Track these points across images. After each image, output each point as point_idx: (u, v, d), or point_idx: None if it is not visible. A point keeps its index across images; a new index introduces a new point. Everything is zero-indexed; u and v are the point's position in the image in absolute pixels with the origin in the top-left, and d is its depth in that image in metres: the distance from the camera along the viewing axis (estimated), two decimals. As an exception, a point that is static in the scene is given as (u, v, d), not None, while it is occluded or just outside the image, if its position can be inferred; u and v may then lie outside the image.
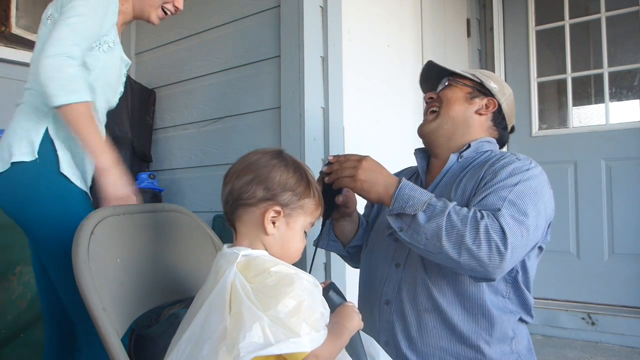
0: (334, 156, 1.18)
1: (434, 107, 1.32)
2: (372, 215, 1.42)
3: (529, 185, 1.09)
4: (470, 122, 1.29)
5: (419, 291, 1.17)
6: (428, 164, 1.38)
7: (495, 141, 1.31)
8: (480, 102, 1.29)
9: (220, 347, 0.72)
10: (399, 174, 1.43)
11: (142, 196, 1.36)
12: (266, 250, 0.86)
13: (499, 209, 1.02)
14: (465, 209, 1.03)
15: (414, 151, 1.42)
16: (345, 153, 1.19)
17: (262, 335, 0.70)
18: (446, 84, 1.32)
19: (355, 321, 0.86)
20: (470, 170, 1.22)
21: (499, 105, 1.31)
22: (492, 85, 1.30)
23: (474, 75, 1.32)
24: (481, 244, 0.97)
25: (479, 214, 1.01)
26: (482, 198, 1.08)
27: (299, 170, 0.90)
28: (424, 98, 1.38)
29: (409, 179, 1.34)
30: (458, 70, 1.33)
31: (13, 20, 2.42)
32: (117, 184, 1.18)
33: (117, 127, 2.15)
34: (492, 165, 1.17)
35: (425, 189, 1.27)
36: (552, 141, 3.05)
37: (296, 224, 0.89)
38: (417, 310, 1.16)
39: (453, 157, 1.27)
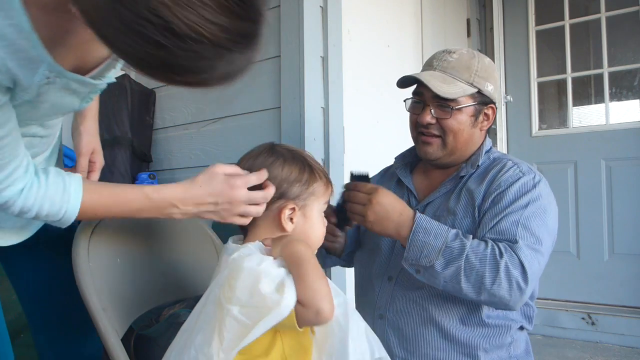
0: (346, 186, 1.13)
1: (432, 132, 1.20)
2: None
3: (538, 205, 1.07)
4: (474, 139, 1.24)
5: (413, 304, 1.14)
6: (412, 169, 1.35)
7: (489, 140, 1.29)
8: (481, 117, 1.22)
9: (212, 338, 0.72)
10: (380, 179, 1.41)
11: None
12: None
13: (516, 241, 1.01)
14: (482, 245, 1.01)
15: (394, 161, 1.37)
16: (358, 176, 1.14)
17: (238, 324, 0.70)
18: (450, 112, 1.17)
19: (299, 244, 0.78)
20: (473, 178, 1.19)
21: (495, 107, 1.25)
22: (489, 89, 1.20)
23: (470, 83, 1.18)
24: (501, 283, 0.97)
25: (497, 250, 0.99)
26: (495, 224, 1.06)
27: (297, 158, 0.89)
28: (414, 120, 1.24)
29: (392, 188, 1.30)
30: (456, 93, 1.16)
31: None
32: None
33: (117, 127, 2.15)
34: (497, 180, 1.13)
35: (418, 202, 1.26)
36: (552, 141, 3.05)
37: (313, 212, 0.89)
38: (413, 323, 1.14)
39: (456, 176, 1.23)
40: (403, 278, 1.17)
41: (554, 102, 3.40)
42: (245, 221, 0.88)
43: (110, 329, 0.91)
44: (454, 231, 1.04)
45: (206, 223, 1.33)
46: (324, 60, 1.89)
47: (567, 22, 3.02)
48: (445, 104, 1.17)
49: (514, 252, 0.99)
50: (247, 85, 1.99)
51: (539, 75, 3.13)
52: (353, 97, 2.09)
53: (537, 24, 3.14)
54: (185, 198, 0.88)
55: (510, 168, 1.15)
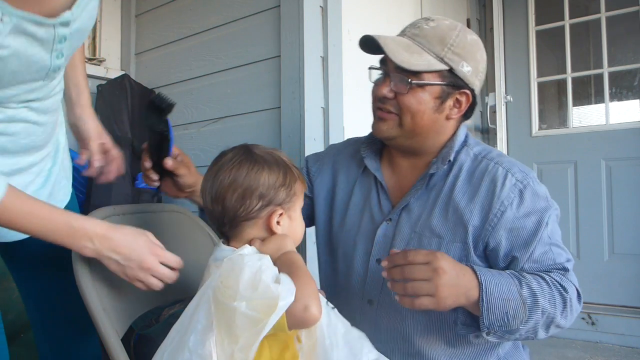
0: (391, 260, 0.89)
1: (388, 108, 1.06)
2: (322, 205, 1.24)
3: (553, 214, 1.03)
4: (438, 127, 1.06)
5: (399, 338, 1.07)
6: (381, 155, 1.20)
7: (464, 129, 1.12)
8: (450, 102, 1.04)
9: (206, 339, 0.73)
10: (337, 155, 1.28)
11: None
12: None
13: (563, 267, 0.99)
14: (543, 284, 0.94)
15: (362, 148, 1.20)
16: (160, 106, 1.00)
17: (248, 320, 0.70)
18: (408, 87, 1.01)
19: (288, 241, 0.85)
20: (458, 187, 1.05)
21: (472, 95, 1.06)
22: (465, 69, 1.01)
23: (440, 58, 1.00)
24: (567, 316, 0.96)
25: (559, 286, 0.95)
26: (530, 255, 0.98)
27: (277, 161, 0.88)
28: (373, 93, 1.11)
29: (358, 177, 1.20)
30: (419, 65, 0.99)
31: None
32: None
33: (117, 127, 2.15)
34: (497, 199, 1.00)
35: (392, 204, 1.12)
36: (552, 141, 3.05)
37: (296, 212, 0.91)
38: (400, 355, 1.08)
39: (427, 173, 1.08)
40: (384, 303, 1.07)
41: (554, 102, 3.40)
42: (141, 286, 0.92)
43: (110, 329, 0.91)
44: (510, 273, 0.95)
45: (207, 223, 1.33)
46: (324, 60, 1.89)
47: (567, 22, 3.02)
48: (404, 77, 1.01)
49: (570, 281, 0.98)
50: (247, 85, 1.99)
51: (539, 75, 3.13)
52: (353, 97, 2.09)
53: (537, 24, 3.14)
54: (103, 237, 0.87)
55: (506, 179, 1.01)
